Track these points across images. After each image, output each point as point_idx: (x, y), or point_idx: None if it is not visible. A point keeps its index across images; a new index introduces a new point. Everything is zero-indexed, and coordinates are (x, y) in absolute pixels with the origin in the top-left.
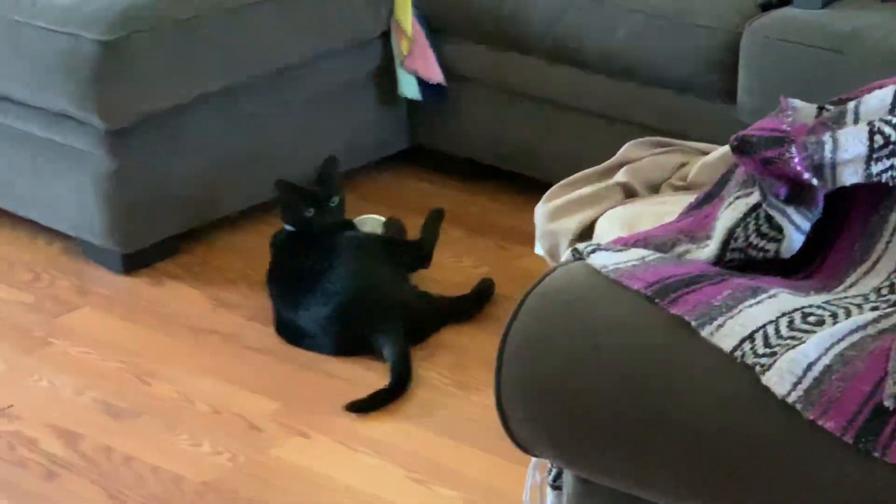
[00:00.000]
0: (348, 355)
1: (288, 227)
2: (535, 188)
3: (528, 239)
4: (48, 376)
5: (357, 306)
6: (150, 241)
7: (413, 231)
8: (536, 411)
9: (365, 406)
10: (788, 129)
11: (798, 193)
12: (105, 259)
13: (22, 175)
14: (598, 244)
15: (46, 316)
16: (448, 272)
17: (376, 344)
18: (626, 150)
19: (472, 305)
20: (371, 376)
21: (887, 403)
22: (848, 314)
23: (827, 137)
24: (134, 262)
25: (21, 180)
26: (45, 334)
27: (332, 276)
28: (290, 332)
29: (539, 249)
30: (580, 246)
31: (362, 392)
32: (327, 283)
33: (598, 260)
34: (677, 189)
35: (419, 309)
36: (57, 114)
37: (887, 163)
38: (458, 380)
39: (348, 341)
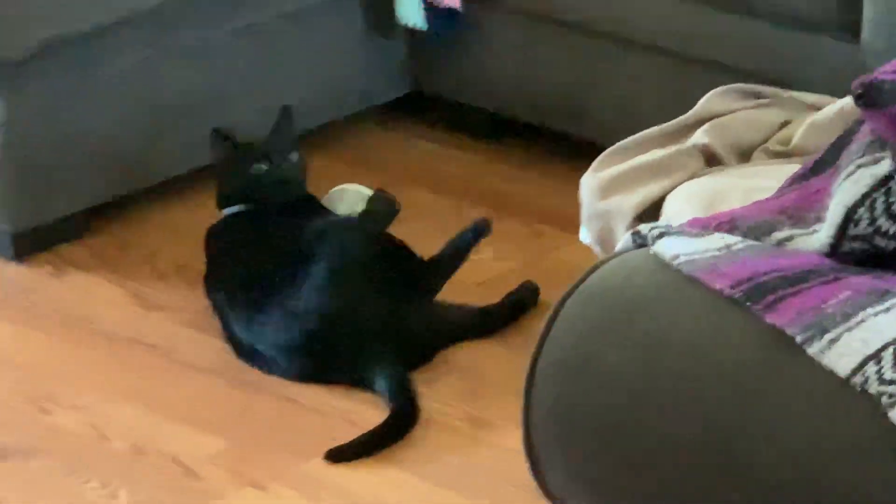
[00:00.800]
0: (319, 382)
1: (228, 211)
2: (580, 152)
3: (571, 222)
4: None
5: (333, 332)
6: (51, 217)
7: (414, 224)
8: (578, 455)
9: (350, 453)
10: None
11: None
12: None
13: None
14: (669, 226)
15: None
16: (463, 267)
17: (364, 375)
18: (707, 102)
19: (499, 321)
20: (351, 404)
21: None
22: None
23: None
24: (28, 245)
25: None
26: None
27: (297, 287)
28: (242, 348)
29: (585, 236)
30: (643, 228)
31: (339, 426)
32: (290, 296)
33: (668, 248)
34: (776, 155)
35: (423, 331)
36: None
37: None
38: (471, 413)
39: (320, 369)
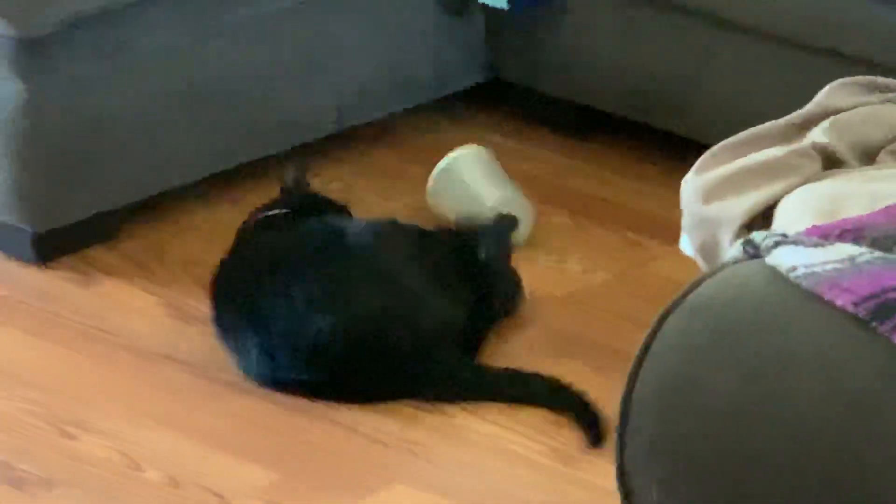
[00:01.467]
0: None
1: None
2: (682, 151)
3: (670, 230)
4: None
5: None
6: (77, 217)
7: None
8: (683, 494)
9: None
10: None
11: None
12: (7, 242)
13: None
14: (785, 234)
15: None
16: (546, 279)
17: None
18: (827, 97)
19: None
20: (414, 433)
21: None
22: None
23: None
24: (51, 248)
25: None
26: None
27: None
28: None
29: (686, 245)
30: (756, 236)
31: (400, 457)
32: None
33: (785, 258)
34: None
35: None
36: None
37: None
38: (556, 447)
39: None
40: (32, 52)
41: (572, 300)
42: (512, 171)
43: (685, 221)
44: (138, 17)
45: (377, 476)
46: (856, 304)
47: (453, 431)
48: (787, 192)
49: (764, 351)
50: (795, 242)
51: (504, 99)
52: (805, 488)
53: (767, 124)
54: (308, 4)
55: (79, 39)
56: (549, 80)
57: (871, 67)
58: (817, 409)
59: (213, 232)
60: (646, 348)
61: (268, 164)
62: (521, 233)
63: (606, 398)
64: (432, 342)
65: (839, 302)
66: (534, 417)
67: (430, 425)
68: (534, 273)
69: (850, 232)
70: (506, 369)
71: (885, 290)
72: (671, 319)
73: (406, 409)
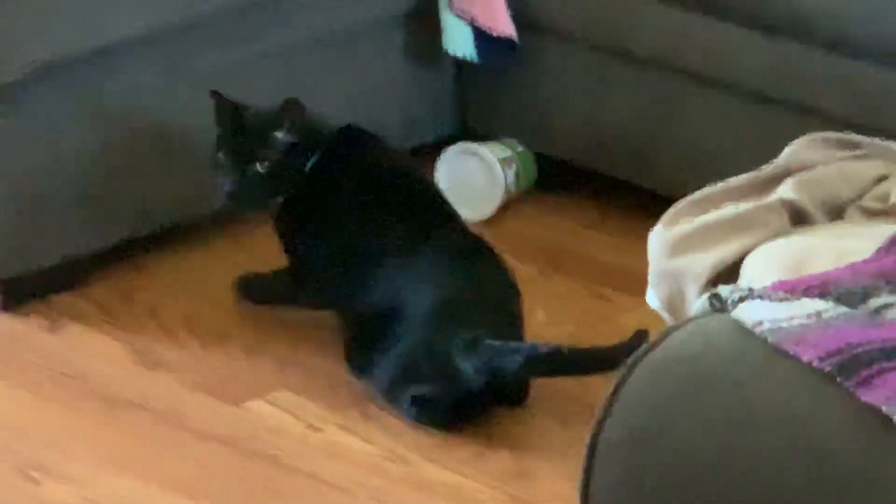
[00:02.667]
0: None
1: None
2: (649, 205)
3: (637, 283)
4: None
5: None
6: (45, 262)
7: None
8: None
9: None
10: None
11: None
12: None
13: None
14: (751, 289)
15: None
16: None
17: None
18: (794, 151)
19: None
20: (379, 482)
21: None
22: None
23: None
24: (17, 294)
25: None
26: None
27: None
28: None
29: (652, 299)
30: (723, 290)
31: (364, 502)
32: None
33: (751, 313)
34: (873, 214)
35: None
36: None
37: None
38: (519, 496)
39: None
40: (2, 98)
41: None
42: (480, 222)
43: (651, 275)
44: (108, 62)
45: None
46: (821, 360)
47: (418, 481)
48: (754, 246)
49: (730, 405)
50: (761, 297)
51: None
52: None
53: (735, 179)
54: (278, 51)
55: (47, 84)
56: (519, 133)
57: (839, 123)
58: (782, 464)
59: (180, 279)
60: (611, 400)
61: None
62: None
63: (571, 451)
64: None
65: (805, 357)
66: (496, 466)
67: (394, 475)
68: None
69: (816, 287)
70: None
71: (850, 346)
72: (638, 371)
73: (370, 458)
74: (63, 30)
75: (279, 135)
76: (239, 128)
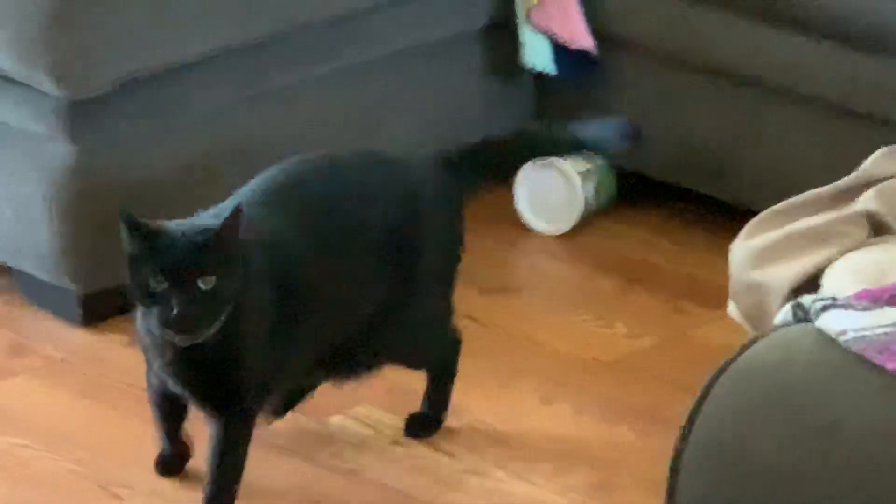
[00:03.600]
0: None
1: None
2: (728, 218)
3: (717, 295)
4: None
5: None
6: (124, 278)
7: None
8: None
9: None
10: None
11: None
12: (55, 303)
13: None
14: (834, 298)
15: None
16: (592, 344)
17: None
18: (874, 163)
19: None
20: (452, 490)
21: None
22: None
23: None
24: (98, 309)
25: None
26: None
27: None
28: None
29: (733, 311)
30: (806, 300)
31: None
32: None
33: (834, 322)
34: None
35: None
36: None
37: None
38: None
39: None
40: (83, 113)
41: (619, 366)
42: (559, 236)
43: (732, 287)
44: (188, 77)
45: None
46: None
47: (501, 496)
48: (835, 258)
49: (814, 415)
50: (845, 306)
51: None
52: None
53: (815, 191)
54: (358, 67)
55: (129, 100)
56: None
57: None
58: (867, 475)
59: None
60: (696, 410)
61: None
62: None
63: (652, 464)
64: None
65: (890, 366)
66: (578, 480)
67: (476, 489)
68: (581, 338)
69: None
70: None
71: None
72: (720, 383)
73: (453, 473)
74: (144, 46)
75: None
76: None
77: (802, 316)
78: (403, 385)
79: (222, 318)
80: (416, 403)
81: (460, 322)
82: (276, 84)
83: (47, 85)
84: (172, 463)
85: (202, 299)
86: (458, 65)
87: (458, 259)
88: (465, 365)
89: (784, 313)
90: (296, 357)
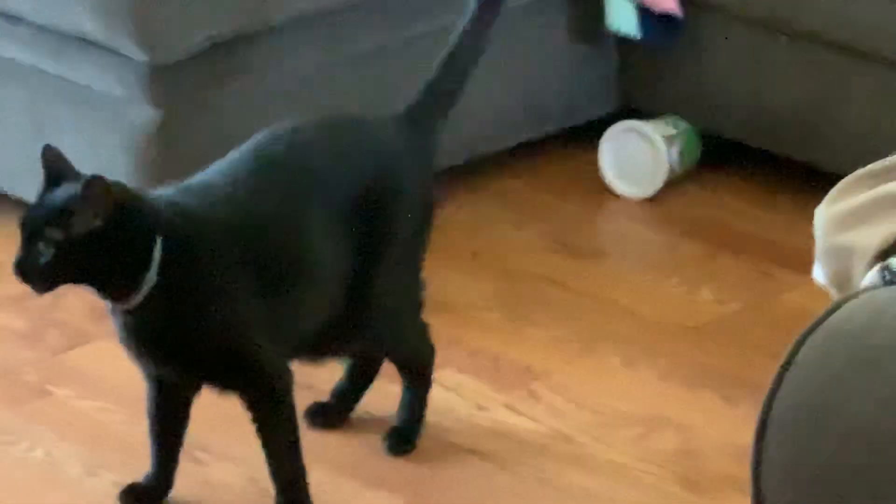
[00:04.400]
0: None
1: None
2: (815, 181)
3: (804, 260)
4: (45, 444)
5: None
6: None
7: None
8: None
9: None
10: None
11: None
12: None
13: (18, 131)
14: None
15: (44, 352)
16: (678, 309)
17: None
18: None
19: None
20: (540, 455)
21: None
22: None
23: None
24: None
25: (16, 139)
26: (40, 379)
27: None
28: None
29: (819, 275)
30: (893, 262)
31: (528, 481)
32: None
33: None
34: None
35: None
36: (73, 39)
37: None
38: (687, 476)
39: None
40: (166, 78)
41: (704, 331)
42: (643, 200)
43: (818, 251)
44: (273, 42)
45: (508, 503)
46: None
47: (583, 461)
48: None
49: None
50: None
51: None
52: None
53: None
54: (444, 31)
55: (212, 65)
56: (681, 110)
57: None
58: None
59: None
60: (782, 373)
61: None
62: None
63: (737, 430)
64: None
65: None
66: (663, 446)
67: (560, 454)
68: (666, 303)
69: None
70: None
71: None
72: (807, 345)
73: (536, 438)
74: (227, 10)
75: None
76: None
77: (890, 278)
78: (486, 350)
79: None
80: (499, 367)
81: (543, 286)
82: (362, 49)
83: (131, 49)
84: (146, 492)
85: (33, 258)
86: (543, 28)
87: (426, 226)
88: (548, 328)
89: (871, 276)
90: (279, 327)
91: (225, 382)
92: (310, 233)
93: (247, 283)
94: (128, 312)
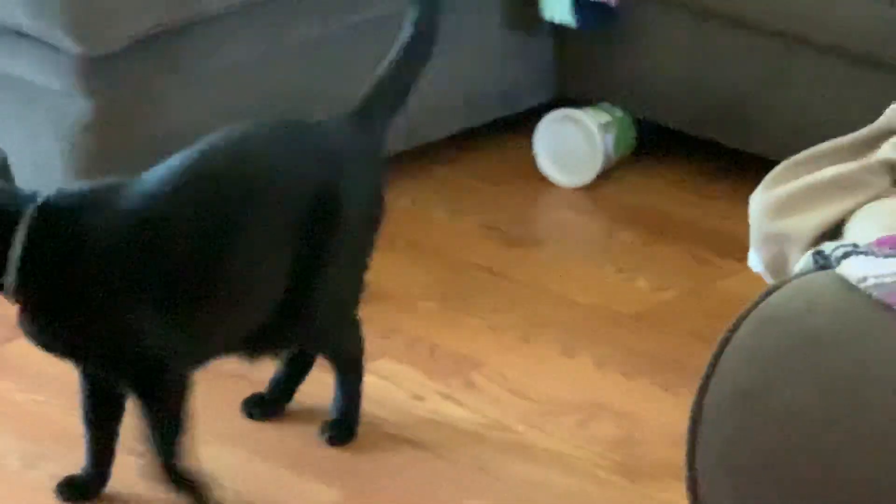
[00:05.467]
0: None
1: None
2: (750, 168)
3: (740, 247)
4: None
5: None
6: None
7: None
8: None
9: None
10: None
11: None
12: None
13: None
14: (855, 245)
15: None
16: (615, 297)
17: None
18: None
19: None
20: (478, 444)
21: None
22: None
23: None
24: None
25: None
26: None
27: None
28: None
29: (755, 262)
30: (826, 247)
31: (467, 471)
32: None
33: (855, 269)
34: None
35: None
36: (8, 32)
37: None
38: (624, 462)
39: None
40: (99, 70)
41: (641, 318)
42: (580, 188)
43: (753, 238)
44: (205, 33)
45: (447, 493)
46: None
47: (521, 449)
48: (857, 208)
49: (837, 361)
50: (866, 253)
51: None
52: (881, 499)
53: (836, 140)
54: (377, 22)
55: (147, 56)
56: (617, 98)
57: None
58: (891, 421)
59: None
60: (717, 358)
61: None
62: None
63: (675, 416)
64: None
65: None
66: (600, 433)
67: (498, 443)
68: (603, 291)
69: None
70: None
71: None
72: (742, 330)
73: (474, 427)
74: (160, 1)
75: None
76: None
77: (823, 263)
78: (423, 340)
79: None
80: (439, 358)
81: (480, 275)
82: (297, 39)
83: (65, 41)
84: (83, 485)
85: None
86: (478, 17)
87: (375, 227)
88: (486, 318)
89: (804, 261)
90: (196, 335)
91: (110, 377)
92: (236, 244)
93: (136, 288)
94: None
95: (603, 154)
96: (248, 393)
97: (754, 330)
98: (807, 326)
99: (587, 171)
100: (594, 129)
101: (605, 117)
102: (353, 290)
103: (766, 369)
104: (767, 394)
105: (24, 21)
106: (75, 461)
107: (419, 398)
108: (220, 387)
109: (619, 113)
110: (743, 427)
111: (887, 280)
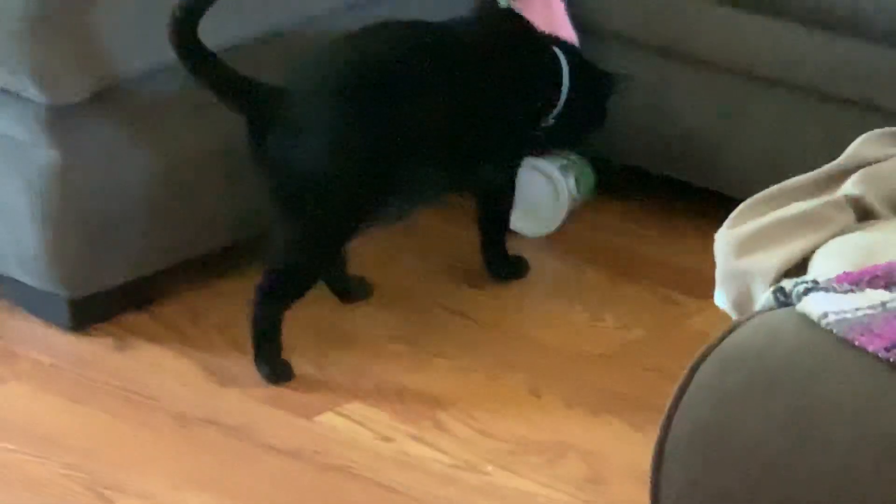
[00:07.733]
0: None
1: None
2: (716, 206)
3: (706, 285)
4: None
5: None
6: (113, 282)
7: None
8: None
9: None
10: None
11: None
12: (44, 308)
13: None
14: (815, 281)
15: None
16: (581, 336)
17: None
18: (859, 148)
19: None
20: (458, 493)
21: None
22: None
23: None
24: (87, 314)
25: None
26: None
27: None
28: None
29: (721, 300)
30: (787, 284)
31: None
32: None
33: (816, 305)
34: None
35: None
36: None
37: None
38: (592, 501)
39: None
40: (65, 118)
41: (608, 357)
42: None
43: (719, 276)
44: (171, 80)
45: None
46: (887, 350)
47: (491, 489)
48: (821, 244)
49: (797, 398)
50: (826, 289)
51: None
52: None
53: (800, 177)
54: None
55: (111, 104)
56: None
57: None
58: (851, 455)
59: (247, 295)
60: (679, 396)
61: None
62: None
63: (642, 455)
64: None
65: (871, 348)
66: (569, 472)
67: (467, 483)
68: (570, 331)
69: (881, 278)
70: None
71: None
72: (703, 368)
73: (442, 467)
74: (126, 50)
75: None
76: None
77: (784, 300)
78: (392, 382)
79: None
80: (405, 399)
81: (447, 316)
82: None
83: (29, 90)
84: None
85: None
86: None
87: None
88: (453, 359)
89: (766, 298)
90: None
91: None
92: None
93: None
94: None
95: (568, 198)
96: (215, 437)
97: (716, 368)
98: (766, 364)
99: (554, 217)
100: (555, 172)
101: (561, 161)
102: None
103: (727, 406)
104: (728, 431)
105: None
106: None
107: (388, 440)
108: (187, 433)
109: (573, 156)
110: (705, 464)
111: (848, 316)
